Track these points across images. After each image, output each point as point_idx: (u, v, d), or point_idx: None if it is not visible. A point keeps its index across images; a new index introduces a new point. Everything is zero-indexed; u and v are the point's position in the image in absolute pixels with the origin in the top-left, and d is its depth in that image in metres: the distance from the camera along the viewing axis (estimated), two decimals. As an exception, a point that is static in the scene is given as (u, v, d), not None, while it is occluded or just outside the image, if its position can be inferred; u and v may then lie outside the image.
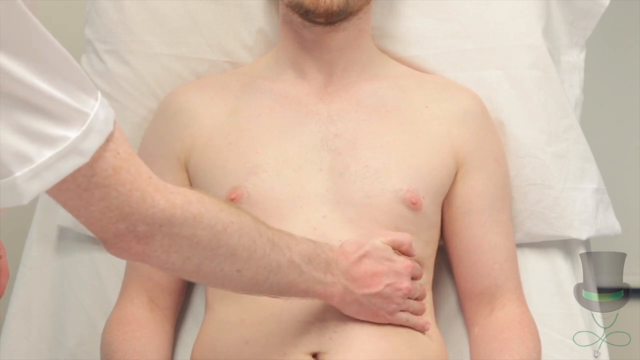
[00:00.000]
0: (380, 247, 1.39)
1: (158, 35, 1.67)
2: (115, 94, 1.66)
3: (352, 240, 1.40)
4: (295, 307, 1.40)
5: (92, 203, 1.05)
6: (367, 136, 1.50)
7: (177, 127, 1.55)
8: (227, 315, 1.44)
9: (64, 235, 1.68)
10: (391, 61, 1.63)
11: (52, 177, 0.99)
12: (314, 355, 1.38)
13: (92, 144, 1.01)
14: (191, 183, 1.53)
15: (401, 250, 1.42)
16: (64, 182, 1.01)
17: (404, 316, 1.42)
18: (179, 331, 1.59)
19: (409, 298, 1.42)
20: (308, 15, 1.49)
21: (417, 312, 1.44)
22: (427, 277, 1.50)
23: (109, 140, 1.03)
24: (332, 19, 1.49)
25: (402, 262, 1.40)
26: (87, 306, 1.65)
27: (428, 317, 1.48)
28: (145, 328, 1.49)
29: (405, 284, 1.40)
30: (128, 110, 1.66)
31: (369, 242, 1.39)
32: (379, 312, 1.39)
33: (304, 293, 1.31)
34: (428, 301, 1.49)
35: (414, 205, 1.46)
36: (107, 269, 1.64)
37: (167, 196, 1.11)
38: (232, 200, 1.45)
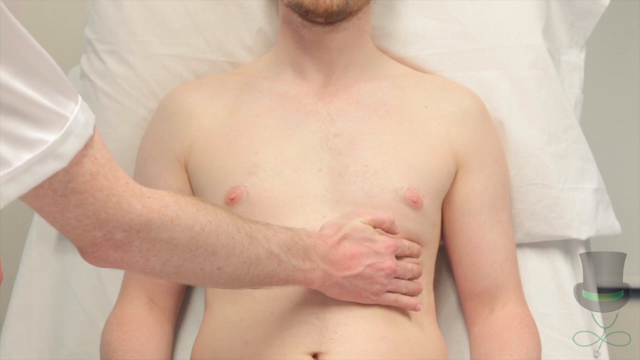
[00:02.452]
0: (360, 227, 1.39)
1: (158, 35, 1.67)
2: (115, 94, 1.66)
3: (331, 222, 1.40)
4: (296, 307, 1.40)
5: (68, 209, 1.03)
6: (366, 136, 1.50)
7: (177, 127, 1.55)
8: (226, 315, 1.44)
9: (63, 236, 1.68)
10: (391, 61, 1.63)
11: (30, 181, 0.97)
12: (314, 356, 1.38)
13: (71, 148, 1.00)
14: (191, 183, 1.53)
15: (383, 229, 1.41)
16: (40, 187, 0.99)
17: (391, 297, 1.41)
18: (179, 331, 1.59)
19: (397, 278, 1.41)
20: (308, 15, 1.49)
21: (412, 293, 1.43)
22: (427, 277, 1.50)
23: (87, 145, 1.02)
24: (332, 19, 1.49)
25: (384, 242, 1.40)
26: (87, 306, 1.65)
27: (429, 317, 1.48)
28: (145, 328, 1.49)
29: (388, 263, 1.39)
30: (128, 110, 1.66)
31: (348, 223, 1.38)
32: (363, 293, 1.39)
33: (284, 282, 1.31)
34: (429, 301, 1.50)
35: (414, 204, 1.46)
36: (107, 269, 1.63)
37: (144, 201, 1.09)
38: (232, 200, 1.45)
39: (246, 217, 1.30)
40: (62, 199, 1.02)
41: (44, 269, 1.69)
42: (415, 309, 1.43)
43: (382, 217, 1.41)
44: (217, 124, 1.53)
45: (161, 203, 1.12)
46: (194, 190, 1.53)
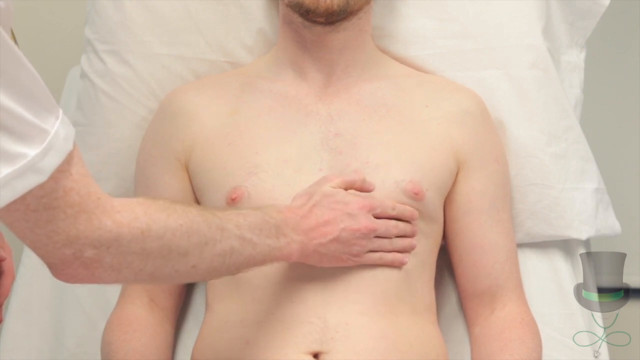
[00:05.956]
0: (330, 192, 1.38)
1: (158, 35, 1.67)
2: (115, 94, 1.66)
3: (302, 192, 1.39)
4: (297, 307, 1.40)
5: (39, 225, 1.02)
6: (367, 136, 1.50)
7: (177, 127, 1.55)
8: (227, 315, 1.44)
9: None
10: (391, 61, 1.63)
11: (8, 195, 0.96)
12: (315, 355, 1.38)
13: (51, 163, 0.99)
14: (191, 183, 1.53)
15: (356, 189, 1.41)
16: (13, 202, 0.98)
17: (375, 256, 1.41)
18: (180, 331, 1.59)
19: (381, 237, 1.40)
20: (308, 14, 1.48)
21: (401, 250, 1.42)
22: (429, 275, 1.50)
23: (67, 160, 1.01)
24: (332, 18, 1.49)
25: (357, 202, 1.39)
26: (87, 306, 1.65)
27: (429, 316, 1.48)
28: (145, 328, 1.49)
29: (363, 222, 1.38)
30: (128, 110, 1.66)
31: (318, 190, 1.38)
32: (343, 257, 1.38)
33: (261, 262, 1.30)
34: (430, 300, 1.50)
35: (416, 196, 1.45)
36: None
37: (114, 216, 1.07)
38: (233, 200, 1.45)
39: None
40: (33, 214, 1.01)
41: (44, 268, 1.66)
42: (402, 263, 1.43)
43: (351, 178, 1.40)
44: (218, 124, 1.53)
45: (131, 216, 1.10)
46: (194, 190, 1.53)
